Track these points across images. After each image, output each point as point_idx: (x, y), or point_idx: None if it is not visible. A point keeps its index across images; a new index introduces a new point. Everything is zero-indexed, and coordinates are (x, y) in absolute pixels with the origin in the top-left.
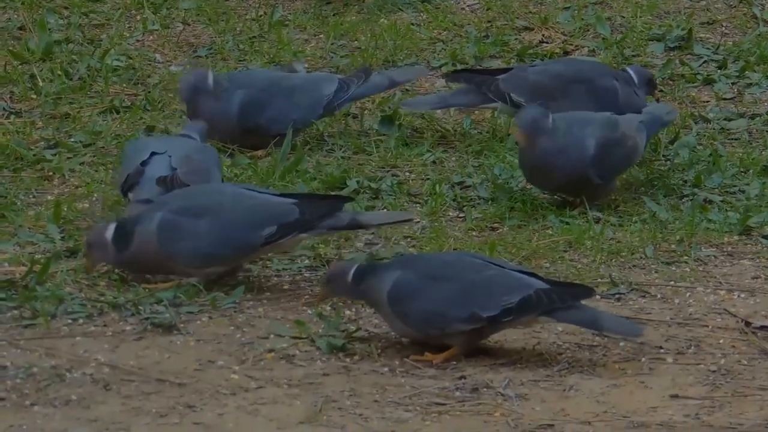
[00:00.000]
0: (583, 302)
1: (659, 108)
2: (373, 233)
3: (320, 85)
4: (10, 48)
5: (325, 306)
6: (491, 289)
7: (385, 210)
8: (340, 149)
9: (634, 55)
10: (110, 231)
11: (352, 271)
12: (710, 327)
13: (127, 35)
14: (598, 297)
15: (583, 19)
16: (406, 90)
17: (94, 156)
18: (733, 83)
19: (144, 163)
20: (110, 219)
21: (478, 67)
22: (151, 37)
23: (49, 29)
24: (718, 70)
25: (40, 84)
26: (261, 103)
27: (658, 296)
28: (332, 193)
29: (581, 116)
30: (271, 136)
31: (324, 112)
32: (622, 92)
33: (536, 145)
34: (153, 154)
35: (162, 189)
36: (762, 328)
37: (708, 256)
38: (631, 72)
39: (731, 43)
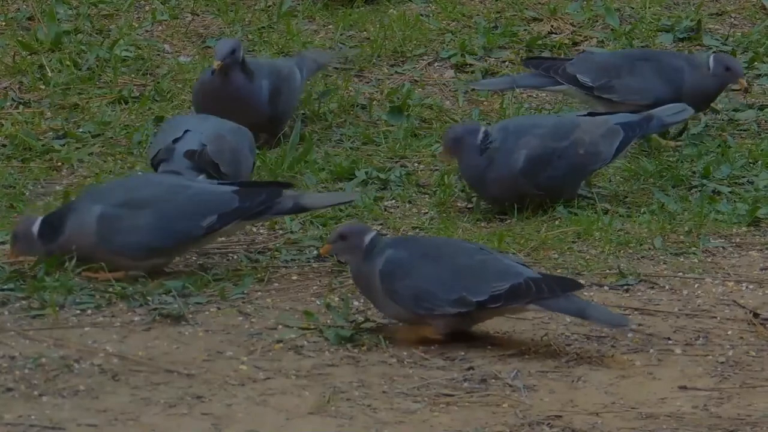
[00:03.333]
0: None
1: (666, 109)
2: (381, 224)
3: (294, 71)
4: (19, 38)
5: (333, 297)
6: (482, 275)
7: (327, 192)
8: (349, 140)
9: (643, 46)
10: (36, 224)
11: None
12: (718, 318)
13: (136, 26)
14: (606, 288)
15: (592, 9)
16: (415, 80)
17: (102, 146)
18: None
19: (176, 140)
20: (38, 212)
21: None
22: (160, 28)
23: (58, 19)
24: None
25: (49, 74)
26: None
27: (667, 287)
28: (273, 180)
29: (528, 123)
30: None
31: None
32: (689, 72)
33: (461, 161)
34: (186, 131)
35: (189, 162)
36: None
37: (716, 247)
38: (711, 58)
39: (740, 34)
